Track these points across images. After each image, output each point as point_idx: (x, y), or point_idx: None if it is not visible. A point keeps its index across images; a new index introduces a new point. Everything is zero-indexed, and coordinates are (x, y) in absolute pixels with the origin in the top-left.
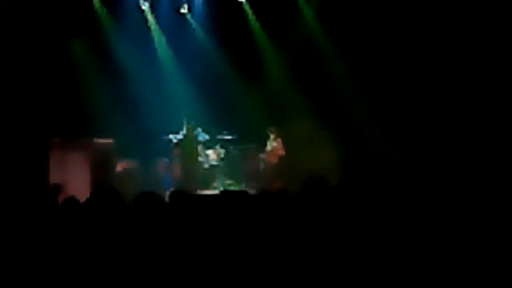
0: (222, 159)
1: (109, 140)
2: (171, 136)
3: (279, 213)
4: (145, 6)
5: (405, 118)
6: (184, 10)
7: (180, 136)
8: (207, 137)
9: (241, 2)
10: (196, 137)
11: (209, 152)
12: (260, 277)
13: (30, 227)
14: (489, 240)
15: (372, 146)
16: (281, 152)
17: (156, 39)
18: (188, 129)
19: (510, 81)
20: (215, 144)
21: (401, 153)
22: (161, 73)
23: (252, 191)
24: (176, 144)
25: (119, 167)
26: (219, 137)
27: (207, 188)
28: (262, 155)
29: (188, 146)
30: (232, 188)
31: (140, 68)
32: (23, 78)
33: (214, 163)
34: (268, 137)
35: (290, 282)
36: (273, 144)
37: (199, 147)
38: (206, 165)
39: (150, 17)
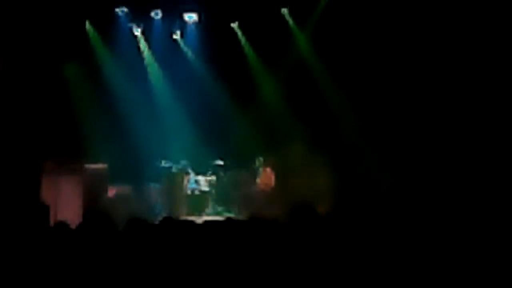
0: (213, 185)
1: (102, 165)
2: (161, 162)
3: (267, 241)
4: (138, 32)
5: (400, 145)
6: (176, 36)
7: (168, 164)
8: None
9: (234, 29)
10: (183, 167)
11: (200, 178)
12: None
13: (20, 248)
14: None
15: (366, 173)
16: (271, 182)
17: (148, 64)
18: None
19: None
20: (207, 170)
21: (396, 182)
22: (154, 99)
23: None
24: (167, 169)
25: (111, 192)
26: (211, 163)
27: (199, 214)
28: (255, 183)
29: (178, 172)
30: (223, 214)
31: (133, 93)
32: (17, 102)
33: (206, 189)
34: (259, 167)
35: None
36: (263, 173)
37: (190, 175)
38: (197, 192)
39: (142, 43)
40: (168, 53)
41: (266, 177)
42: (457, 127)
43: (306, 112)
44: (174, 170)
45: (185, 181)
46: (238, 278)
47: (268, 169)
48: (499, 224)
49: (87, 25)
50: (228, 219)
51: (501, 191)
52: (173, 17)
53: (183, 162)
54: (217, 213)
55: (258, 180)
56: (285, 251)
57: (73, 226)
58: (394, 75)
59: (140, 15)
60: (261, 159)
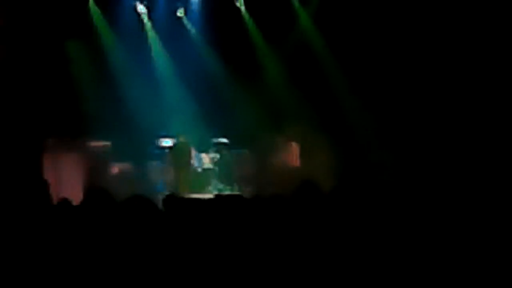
0: (215, 163)
1: (104, 143)
2: (162, 141)
3: (272, 217)
4: (142, 9)
5: (402, 125)
6: (180, 13)
7: (171, 142)
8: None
9: (238, 6)
10: (188, 142)
11: (203, 156)
12: (252, 282)
13: (23, 227)
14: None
15: (368, 152)
16: (297, 160)
17: (152, 42)
18: (179, 136)
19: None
20: (209, 148)
21: (397, 160)
22: (157, 77)
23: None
24: (169, 148)
25: (113, 170)
26: (213, 141)
27: (201, 192)
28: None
29: (181, 150)
30: (225, 192)
31: (136, 71)
32: (18, 79)
33: (208, 167)
34: (279, 144)
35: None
36: (289, 152)
37: (192, 151)
38: (200, 169)
39: (146, 20)
40: (171, 30)
41: (292, 152)
42: (460, 107)
43: (309, 92)
44: (179, 144)
45: (191, 157)
46: (242, 255)
47: (294, 145)
48: (501, 220)
49: (91, 1)
50: (232, 196)
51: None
52: None
53: (182, 139)
54: (220, 191)
55: (280, 157)
56: (289, 227)
57: (75, 203)
58: (400, 55)
59: None
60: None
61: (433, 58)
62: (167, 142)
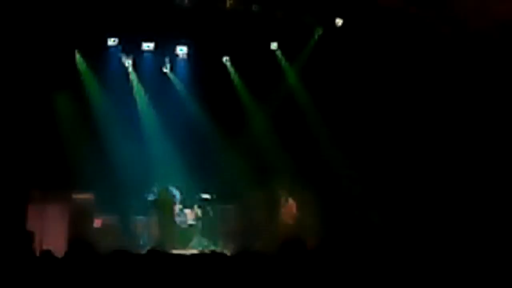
0: (199, 218)
1: (88, 195)
2: (148, 194)
3: (256, 275)
4: (128, 63)
5: (389, 183)
6: (166, 69)
7: (154, 195)
8: (177, 195)
9: (224, 62)
10: (171, 196)
11: (187, 211)
12: None
13: (5, 277)
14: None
15: (353, 209)
16: (295, 212)
17: (138, 95)
18: (162, 190)
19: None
20: (193, 204)
21: (383, 220)
22: (143, 130)
23: (229, 252)
24: (153, 202)
25: (97, 222)
26: (198, 196)
27: (184, 247)
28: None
29: (164, 204)
30: (209, 248)
31: (122, 123)
32: (5, 131)
33: (192, 222)
34: (279, 199)
35: None
36: (286, 204)
37: (176, 207)
38: (184, 225)
39: (132, 74)
40: (157, 85)
41: (289, 208)
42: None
43: (295, 146)
44: (162, 201)
45: (175, 211)
46: None
47: (291, 201)
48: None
49: (77, 55)
50: (215, 253)
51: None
52: (164, 50)
53: (172, 190)
54: (203, 247)
55: (281, 212)
56: (274, 284)
57: (58, 255)
58: (381, 109)
59: (131, 47)
60: (284, 190)
61: (421, 112)
62: (151, 197)
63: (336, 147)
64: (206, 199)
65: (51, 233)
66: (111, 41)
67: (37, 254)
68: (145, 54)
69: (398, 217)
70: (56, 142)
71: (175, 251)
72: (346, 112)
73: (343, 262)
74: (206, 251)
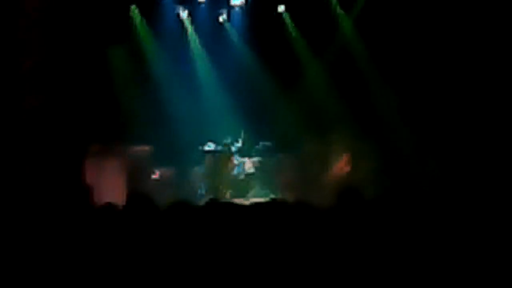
0: (257, 168)
1: (146, 148)
2: (205, 145)
3: (314, 224)
4: (183, 15)
5: (446, 133)
6: (223, 19)
7: (213, 146)
8: (234, 145)
9: (281, 12)
10: (228, 146)
11: (245, 160)
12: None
13: (65, 231)
14: None
15: (411, 160)
16: (347, 168)
17: (193, 47)
18: (218, 140)
19: None
20: (251, 153)
21: (441, 170)
22: (198, 81)
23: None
24: (210, 152)
25: (154, 175)
26: (255, 146)
27: (242, 197)
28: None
29: (222, 155)
30: (267, 197)
31: (178, 76)
32: (62, 85)
33: (250, 172)
34: (333, 150)
35: None
36: (338, 157)
37: (234, 156)
38: (242, 175)
39: (188, 26)
40: (213, 37)
41: (341, 161)
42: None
43: (351, 98)
44: (219, 152)
45: (230, 164)
46: (282, 261)
47: (343, 153)
48: None
49: (132, 8)
50: (274, 201)
51: None
52: (219, 1)
53: (228, 141)
54: (262, 196)
55: (334, 165)
56: (331, 235)
57: (117, 209)
58: (441, 60)
59: None
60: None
61: (481, 65)
62: (209, 147)
63: (392, 97)
64: (263, 149)
65: (109, 187)
66: None
67: (96, 208)
68: (201, 5)
69: (457, 168)
70: (112, 96)
71: (233, 201)
72: (403, 62)
73: (402, 214)
74: (265, 200)
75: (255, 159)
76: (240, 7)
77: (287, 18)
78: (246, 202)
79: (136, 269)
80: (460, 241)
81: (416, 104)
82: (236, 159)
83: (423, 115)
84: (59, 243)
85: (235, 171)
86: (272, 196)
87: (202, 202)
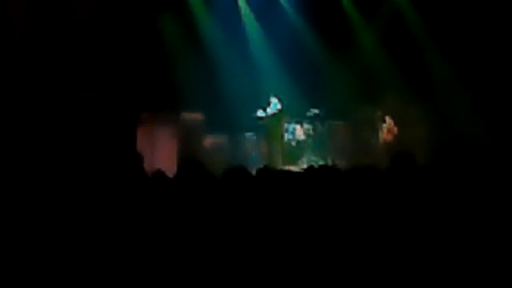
0: (309, 135)
1: (197, 115)
2: (258, 112)
3: (367, 190)
4: None
5: (499, 98)
6: None
7: (265, 113)
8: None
9: None
10: (280, 112)
11: (297, 127)
12: (344, 254)
13: (118, 198)
14: None
15: (463, 126)
16: (393, 133)
17: (244, 13)
18: (271, 107)
19: None
20: (302, 120)
21: (495, 138)
22: (250, 48)
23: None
24: (262, 119)
25: (206, 142)
26: (307, 112)
27: (294, 164)
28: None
29: (274, 121)
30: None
31: (229, 43)
32: (113, 53)
33: (302, 139)
34: (377, 120)
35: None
36: (385, 125)
37: (286, 123)
38: (293, 142)
39: None
40: (264, 3)
41: (389, 127)
42: None
43: (404, 64)
44: (271, 118)
45: (283, 130)
46: (337, 227)
47: (389, 120)
48: None
49: None
50: (326, 167)
51: None
52: None
53: (278, 106)
54: (313, 163)
55: (383, 126)
56: (384, 200)
57: (168, 176)
58: (497, 26)
59: None
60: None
61: None
62: (261, 113)
63: (446, 63)
64: (315, 115)
65: (161, 154)
66: None
67: (149, 175)
68: None
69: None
70: (164, 64)
71: (286, 168)
72: (457, 26)
73: (454, 181)
74: (317, 166)
75: (306, 126)
76: None
77: None
78: (297, 169)
79: (189, 236)
80: None
81: (469, 69)
82: (288, 126)
83: (477, 80)
84: (113, 210)
85: (286, 138)
86: (323, 163)
87: (254, 169)
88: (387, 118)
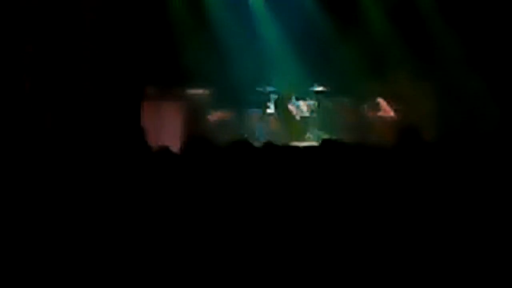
0: (314, 111)
1: (203, 91)
2: (266, 88)
3: (374, 165)
4: None
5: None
6: None
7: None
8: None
9: None
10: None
11: (301, 103)
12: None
13: (122, 173)
14: None
15: (473, 103)
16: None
17: None
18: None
19: None
20: (308, 96)
21: (505, 115)
22: (255, 23)
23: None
24: (269, 94)
25: (212, 118)
26: (312, 88)
27: (300, 140)
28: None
29: (281, 97)
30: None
31: (234, 17)
32: (119, 27)
33: (306, 115)
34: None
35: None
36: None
37: (292, 99)
38: (298, 117)
39: None
40: None
41: (384, 108)
42: None
43: (412, 38)
44: (278, 94)
45: (290, 106)
46: (341, 201)
47: (381, 101)
48: None
49: None
50: (330, 142)
51: None
52: None
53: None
54: (318, 139)
55: (381, 103)
56: (391, 175)
57: (174, 151)
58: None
59: None
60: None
61: None
62: (266, 89)
63: (455, 39)
64: (320, 91)
65: (166, 130)
66: None
67: (153, 150)
68: None
69: None
70: (170, 40)
71: (292, 144)
72: (464, 2)
73: (462, 157)
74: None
75: (311, 102)
76: None
77: None
78: (302, 144)
79: (193, 211)
80: None
81: (480, 44)
82: (293, 102)
83: (486, 56)
84: (117, 185)
85: (294, 111)
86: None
87: (259, 144)
88: (379, 99)
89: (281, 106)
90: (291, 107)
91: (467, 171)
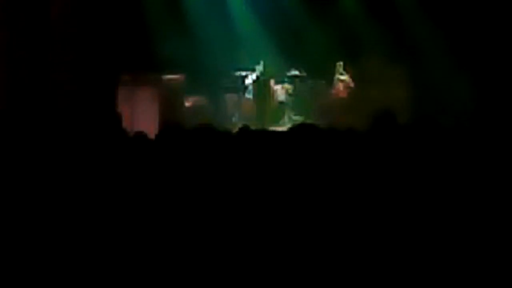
0: (290, 95)
1: (178, 76)
2: (241, 72)
3: (347, 150)
4: None
5: (485, 58)
6: None
7: (251, 73)
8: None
9: None
10: (265, 72)
11: (277, 88)
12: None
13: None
14: None
15: (445, 87)
16: (351, 85)
17: None
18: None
19: None
20: (283, 80)
21: (476, 100)
22: (229, 7)
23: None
24: (246, 78)
25: (187, 103)
26: (288, 72)
27: (275, 124)
28: (330, 90)
29: (258, 81)
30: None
31: (208, 3)
32: (93, 14)
33: (282, 99)
34: (336, 72)
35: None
36: (342, 78)
37: (271, 82)
38: (274, 102)
39: None
40: None
41: (346, 80)
42: None
43: (385, 21)
44: (257, 78)
45: (271, 91)
46: (315, 185)
47: (346, 77)
48: None
49: None
50: (305, 126)
51: None
52: None
53: (259, 68)
54: (294, 123)
55: (336, 82)
56: (365, 159)
57: (150, 137)
58: None
59: None
60: (341, 63)
61: None
62: (241, 74)
63: (428, 22)
64: (295, 76)
65: (141, 116)
66: None
67: (128, 136)
68: None
69: (494, 92)
70: (144, 25)
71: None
72: None
73: (436, 142)
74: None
75: (287, 86)
76: None
77: None
78: (278, 128)
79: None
80: (494, 173)
81: (454, 29)
82: (273, 86)
83: (461, 41)
84: (92, 170)
85: (275, 99)
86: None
87: (235, 129)
88: (345, 74)
89: (260, 90)
90: (276, 88)
91: (440, 154)
